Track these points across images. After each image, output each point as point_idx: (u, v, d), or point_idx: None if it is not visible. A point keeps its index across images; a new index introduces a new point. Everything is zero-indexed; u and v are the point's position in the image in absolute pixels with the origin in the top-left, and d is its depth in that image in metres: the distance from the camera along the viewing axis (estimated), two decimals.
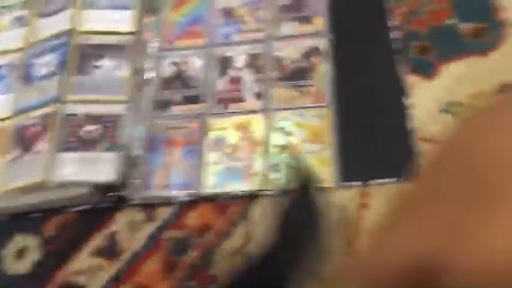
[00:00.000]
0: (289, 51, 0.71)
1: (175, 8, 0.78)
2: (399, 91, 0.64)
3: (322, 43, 0.70)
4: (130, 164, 0.64)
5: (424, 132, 0.63)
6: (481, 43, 0.67)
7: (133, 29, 0.71)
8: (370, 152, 0.62)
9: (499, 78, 0.64)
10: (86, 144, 0.63)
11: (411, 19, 0.71)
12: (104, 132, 0.64)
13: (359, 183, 0.61)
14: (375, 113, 0.64)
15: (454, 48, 0.67)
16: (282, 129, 0.65)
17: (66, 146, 0.63)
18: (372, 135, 0.63)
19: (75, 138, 0.63)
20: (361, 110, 0.65)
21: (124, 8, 0.72)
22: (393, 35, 0.69)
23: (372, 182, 0.60)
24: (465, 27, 0.68)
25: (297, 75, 0.69)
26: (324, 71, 0.68)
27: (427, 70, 0.67)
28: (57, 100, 0.65)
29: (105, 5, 0.72)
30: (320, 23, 0.72)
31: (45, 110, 0.65)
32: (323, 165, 0.62)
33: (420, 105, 0.64)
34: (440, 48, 0.68)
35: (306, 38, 0.71)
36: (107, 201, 0.63)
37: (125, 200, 0.64)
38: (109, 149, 0.63)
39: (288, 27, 0.73)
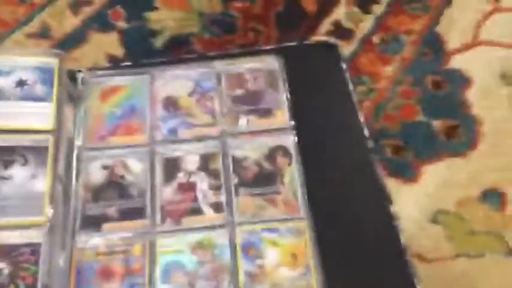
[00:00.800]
0: (250, 151, 0.60)
1: (103, 98, 0.64)
2: (384, 198, 0.57)
3: (288, 140, 0.61)
4: None
5: (414, 247, 0.56)
6: (457, 143, 0.63)
7: (52, 126, 0.55)
8: (361, 276, 0.52)
9: (482, 181, 0.60)
10: None
11: (379, 115, 0.65)
12: (13, 272, 0.46)
13: None
14: (359, 225, 0.56)
15: (430, 147, 0.63)
16: (252, 248, 0.54)
17: None
18: (360, 255, 0.53)
19: None
20: (341, 223, 0.56)
21: (38, 99, 0.57)
22: (364, 132, 0.62)
23: None
24: (437, 124, 0.64)
25: (261, 180, 0.58)
26: (292, 174, 0.59)
27: (406, 173, 0.61)
28: None
29: (13, 95, 0.56)
30: (282, 116, 0.63)
31: None
32: None
33: (405, 214, 0.58)
34: (415, 147, 0.63)
35: (268, 134, 0.61)
36: None
37: None
38: None
39: (245, 122, 0.62)
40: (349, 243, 0.54)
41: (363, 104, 0.67)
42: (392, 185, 0.60)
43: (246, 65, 0.66)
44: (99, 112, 0.62)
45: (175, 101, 0.64)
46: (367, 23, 0.75)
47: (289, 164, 0.59)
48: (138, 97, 0.64)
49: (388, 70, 0.70)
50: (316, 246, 0.54)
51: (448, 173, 0.61)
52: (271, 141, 0.61)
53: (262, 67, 0.66)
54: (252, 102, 0.64)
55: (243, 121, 0.62)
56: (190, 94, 0.64)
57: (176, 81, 0.65)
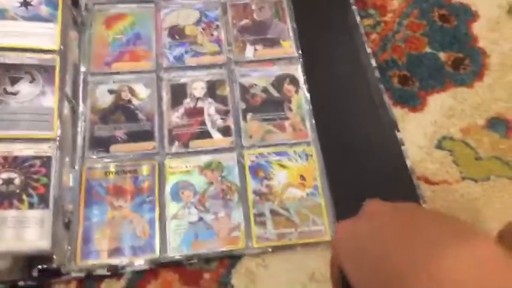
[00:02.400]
0: (257, 79, 0.60)
1: (107, 25, 0.63)
2: (390, 124, 0.57)
3: (295, 69, 0.61)
4: (63, 224, 0.48)
5: (420, 170, 0.57)
6: (464, 74, 0.63)
7: (58, 46, 0.55)
8: (367, 196, 0.53)
9: (486, 111, 0.61)
10: (1, 199, 0.45)
11: (386, 47, 0.65)
12: (25, 182, 0.47)
13: None
14: (366, 150, 0.56)
15: (436, 78, 0.63)
16: (261, 170, 0.54)
17: None
18: (367, 176, 0.54)
19: None
20: (349, 147, 0.57)
21: (44, 20, 0.56)
22: (372, 62, 0.62)
23: None
24: (444, 56, 0.64)
25: (268, 106, 0.59)
26: (300, 101, 0.59)
27: (412, 102, 0.61)
28: None
29: (19, 15, 0.56)
30: (289, 46, 0.63)
31: None
32: (314, 214, 0.52)
33: (411, 140, 0.58)
34: (422, 78, 0.63)
35: (275, 63, 0.61)
36: (34, 277, 0.46)
37: (58, 274, 0.47)
38: (34, 204, 0.46)
39: (252, 51, 0.62)
40: (355, 166, 0.55)
41: (370, 37, 0.66)
42: (398, 113, 0.60)
43: None
44: (103, 38, 0.62)
45: (181, 30, 0.64)
46: None
47: (296, 92, 0.60)
48: (143, 25, 0.63)
49: (395, 3, 0.69)
50: (323, 168, 0.55)
51: (453, 102, 0.62)
52: (278, 69, 0.61)
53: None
54: (258, 32, 0.64)
55: (249, 50, 0.62)
56: (196, 23, 0.64)
57: (181, 10, 0.65)
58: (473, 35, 0.67)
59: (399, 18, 0.68)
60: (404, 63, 0.65)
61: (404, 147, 0.57)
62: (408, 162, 0.56)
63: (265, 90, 0.60)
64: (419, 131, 0.60)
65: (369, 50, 0.64)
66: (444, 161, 0.58)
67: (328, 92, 0.60)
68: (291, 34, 0.63)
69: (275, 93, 0.60)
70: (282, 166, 0.55)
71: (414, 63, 0.64)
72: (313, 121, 0.58)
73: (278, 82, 0.60)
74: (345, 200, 0.52)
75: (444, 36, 0.67)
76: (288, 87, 0.60)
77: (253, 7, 0.66)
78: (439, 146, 0.59)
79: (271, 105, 0.58)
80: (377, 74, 0.62)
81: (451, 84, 0.63)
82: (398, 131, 0.58)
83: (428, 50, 0.66)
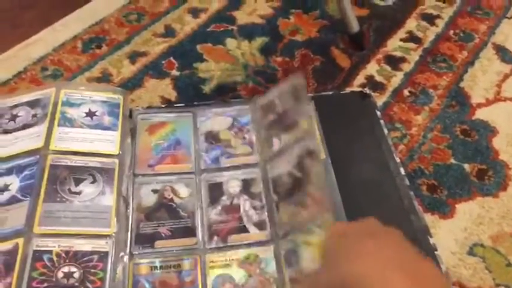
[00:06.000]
0: (282, 165, 0.66)
1: (150, 132, 0.73)
2: (424, 231, 0.62)
3: (313, 142, 0.64)
4: None
5: (454, 275, 0.61)
6: (488, 184, 0.70)
7: (117, 151, 0.64)
8: None
9: None
10: None
11: (413, 157, 0.73)
12: (84, 276, 0.52)
13: None
14: None
15: (462, 187, 0.69)
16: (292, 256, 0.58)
17: None
18: None
19: (47, 284, 0.50)
20: None
21: (107, 128, 0.66)
22: (401, 171, 0.69)
23: None
24: (468, 167, 0.71)
25: (293, 188, 0.63)
26: (319, 173, 0.61)
27: (441, 209, 0.67)
28: (23, 233, 0.53)
29: (85, 124, 0.65)
30: (305, 125, 0.66)
31: (6, 246, 0.52)
32: None
33: (443, 247, 0.63)
34: (449, 187, 0.69)
35: (295, 144, 0.65)
36: None
37: None
38: None
39: (278, 142, 0.69)
40: None
41: (397, 148, 0.74)
42: (429, 219, 0.65)
43: (275, 92, 0.72)
44: (147, 144, 0.70)
45: (216, 135, 0.72)
46: (397, 78, 0.84)
47: (316, 166, 0.61)
48: (182, 131, 0.72)
49: (419, 119, 0.78)
50: None
51: (481, 211, 0.67)
52: (297, 148, 0.65)
53: (289, 87, 0.70)
54: (282, 122, 0.70)
55: (276, 142, 0.69)
56: (229, 128, 0.73)
57: (216, 117, 0.74)
58: (494, 149, 0.74)
59: (424, 132, 0.76)
60: (431, 172, 0.71)
61: (438, 252, 0.61)
62: (443, 267, 0.60)
63: (290, 174, 0.64)
64: (451, 238, 0.64)
65: (397, 159, 0.71)
66: (477, 267, 0.62)
67: (358, 196, 0.66)
68: (308, 113, 0.68)
69: (298, 174, 0.63)
70: (309, 243, 0.56)
71: (440, 172, 0.71)
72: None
73: (299, 161, 0.63)
74: None
75: (467, 149, 0.74)
76: (308, 162, 0.63)
77: (277, 101, 0.71)
78: (471, 253, 0.63)
79: (296, 187, 0.62)
80: (406, 181, 0.68)
81: (477, 194, 0.69)
82: (431, 236, 0.63)
83: (452, 161, 0.72)
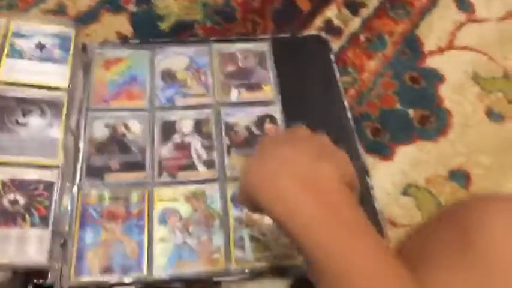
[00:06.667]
0: (240, 118, 0.70)
1: (106, 68, 0.73)
2: (362, 171, 0.66)
3: (275, 111, 0.70)
4: (59, 244, 0.55)
5: (386, 213, 0.65)
6: (429, 130, 0.73)
7: (67, 85, 0.64)
8: None
9: (450, 163, 0.70)
10: (6, 217, 0.53)
11: (362, 101, 0.76)
12: (29, 203, 0.54)
13: None
14: None
15: (405, 132, 0.73)
16: None
17: None
18: None
19: None
20: None
21: (57, 61, 0.66)
22: (348, 114, 0.72)
23: None
24: (412, 112, 0.75)
25: (250, 143, 0.68)
26: None
27: (382, 151, 0.70)
28: None
29: (34, 56, 0.65)
30: (269, 91, 0.73)
31: None
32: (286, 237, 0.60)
33: (380, 186, 0.67)
34: (392, 131, 0.73)
35: (257, 105, 0.71)
36: None
37: None
38: (35, 224, 0.53)
39: (236, 94, 0.72)
40: None
41: (348, 92, 0.76)
42: (369, 161, 0.69)
43: (238, 46, 0.77)
44: (102, 79, 0.71)
45: (172, 74, 0.73)
46: (354, 23, 0.85)
47: (277, 130, 0.68)
48: (139, 68, 0.73)
49: (372, 64, 0.80)
50: None
51: (419, 154, 0.71)
52: (259, 110, 0.70)
53: (253, 48, 0.77)
54: (242, 78, 0.74)
55: (234, 93, 0.72)
56: (187, 68, 0.74)
57: (174, 57, 0.75)
58: (439, 96, 0.77)
59: (374, 77, 0.79)
60: (377, 117, 0.74)
61: (373, 191, 0.65)
62: (377, 205, 0.64)
63: (247, 128, 0.68)
64: (388, 179, 0.68)
65: (345, 103, 0.73)
66: (409, 206, 0.66)
67: None
68: (272, 80, 0.73)
69: (256, 131, 0.68)
70: None
71: (385, 117, 0.74)
72: None
73: (259, 121, 0.69)
74: None
75: (413, 95, 0.77)
76: (268, 125, 0.69)
77: (239, 56, 0.76)
78: (405, 193, 0.67)
79: (253, 142, 0.67)
80: (352, 124, 0.71)
81: (417, 139, 0.72)
82: (368, 176, 0.66)
83: (398, 106, 0.76)
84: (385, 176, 0.69)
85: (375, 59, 0.81)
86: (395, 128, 0.74)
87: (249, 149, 0.66)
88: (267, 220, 0.60)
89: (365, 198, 0.65)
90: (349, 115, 0.72)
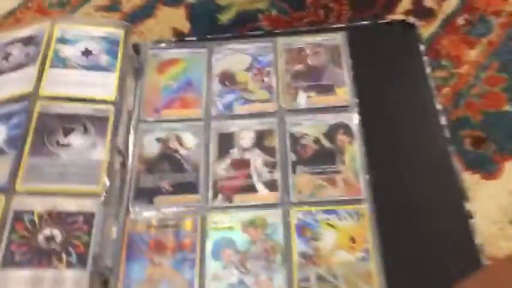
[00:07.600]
0: (308, 128, 0.60)
1: (160, 71, 0.66)
2: (457, 193, 0.55)
3: (350, 119, 0.60)
4: (100, 283, 0.49)
5: (490, 248, 0.53)
6: None
7: (113, 97, 0.58)
8: (423, 269, 0.50)
9: None
10: (41, 257, 0.48)
11: (459, 103, 0.63)
12: (66, 240, 0.49)
13: None
14: (427, 217, 0.54)
15: None
16: (307, 229, 0.53)
17: (13, 259, 0.47)
18: (424, 246, 0.52)
19: (27, 248, 0.48)
20: (407, 211, 0.54)
21: (103, 69, 0.60)
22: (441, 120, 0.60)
23: None
24: None
25: (320, 158, 0.58)
26: (354, 154, 0.58)
27: (485, 168, 0.58)
28: (4, 190, 0.50)
29: (79, 64, 0.60)
30: (344, 94, 0.62)
31: None
32: (364, 283, 0.50)
33: (482, 213, 0.55)
34: (498, 140, 0.60)
35: (328, 111, 0.61)
36: None
37: None
38: (72, 264, 0.48)
39: (304, 98, 0.62)
40: (413, 234, 0.53)
41: (442, 91, 0.64)
42: (469, 180, 0.58)
43: (307, 40, 0.67)
44: (155, 84, 0.65)
45: (231, 76, 0.65)
46: (451, 2, 0.72)
47: (350, 143, 0.58)
48: (195, 71, 0.66)
49: (472, 54, 0.67)
50: (376, 231, 0.53)
51: None
52: (331, 118, 0.60)
53: (325, 42, 0.66)
54: (312, 78, 0.64)
55: (301, 97, 0.63)
56: (248, 69, 0.66)
57: (233, 55, 0.67)
58: None
59: (476, 71, 0.65)
60: (479, 122, 0.61)
61: (473, 220, 0.53)
62: (477, 240, 0.52)
63: (316, 140, 0.59)
64: (493, 202, 0.56)
65: (438, 106, 0.61)
66: None
67: (386, 147, 0.59)
68: (347, 81, 0.63)
69: (327, 144, 0.59)
70: (331, 226, 0.53)
71: (490, 122, 0.61)
72: (368, 177, 0.56)
73: (330, 132, 0.60)
74: (398, 269, 0.50)
75: None
76: (341, 137, 0.59)
77: (308, 51, 0.66)
78: None
79: (323, 158, 0.58)
80: (446, 134, 0.59)
81: None
82: (467, 200, 0.54)
83: (507, 108, 0.62)
84: (490, 200, 0.57)
85: (476, 48, 0.68)
86: (503, 136, 0.61)
87: (318, 167, 0.57)
88: (340, 258, 0.51)
89: (462, 231, 0.53)
90: (443, 121, 0.60)
